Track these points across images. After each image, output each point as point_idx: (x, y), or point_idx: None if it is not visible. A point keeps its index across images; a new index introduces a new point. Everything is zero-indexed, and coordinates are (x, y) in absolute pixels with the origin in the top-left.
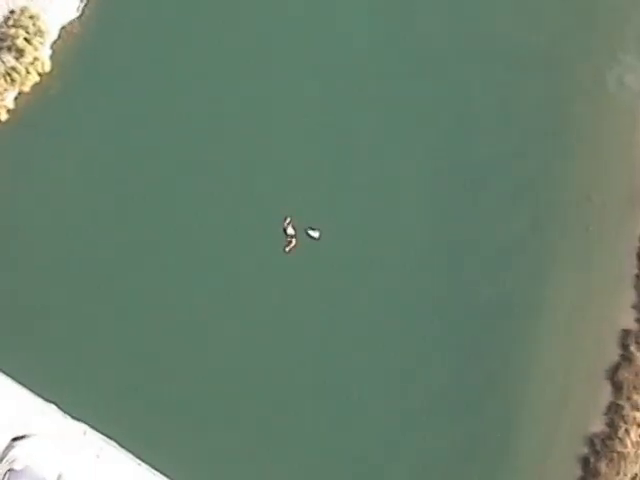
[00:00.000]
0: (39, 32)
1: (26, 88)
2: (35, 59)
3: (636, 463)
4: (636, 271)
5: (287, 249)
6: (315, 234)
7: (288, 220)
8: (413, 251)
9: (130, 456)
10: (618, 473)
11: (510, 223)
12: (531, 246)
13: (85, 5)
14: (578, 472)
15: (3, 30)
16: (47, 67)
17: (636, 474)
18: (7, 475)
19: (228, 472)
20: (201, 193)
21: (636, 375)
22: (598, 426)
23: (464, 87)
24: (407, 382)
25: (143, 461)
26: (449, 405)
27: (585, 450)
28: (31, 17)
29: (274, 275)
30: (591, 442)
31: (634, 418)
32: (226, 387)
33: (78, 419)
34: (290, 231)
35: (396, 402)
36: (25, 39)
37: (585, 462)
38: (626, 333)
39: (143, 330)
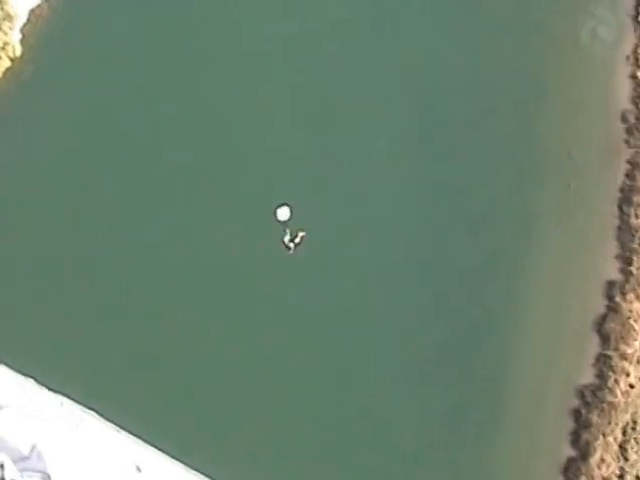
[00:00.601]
0: (8, 17)
1: None
2: (5, 44)
3: (626, 412)
4: (618, 222)
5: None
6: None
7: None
8: (393, 218)
9: (110, 425)
10: (609, 423)
11: (491, 184)
12: (513, 206)
13: None
14: (570, 424)
15: None
16: (18, 51)
17: (627, 422)
18: None
19: (210, 437)
20: (177, 176)
21: (623, 325)
22: (587, 378)
23: (435, 48)
24: (395, 349)
25: (123, 429)
26: (439, 369)
27: (576, 402)
28: None
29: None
30: (581, 394)
31: (622, 368)
32: (208, 355)
33: (55, 391)
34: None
35: (385, 370)
36: None
37: (576, 414)
38: (611, 284)
39: (122, 300)
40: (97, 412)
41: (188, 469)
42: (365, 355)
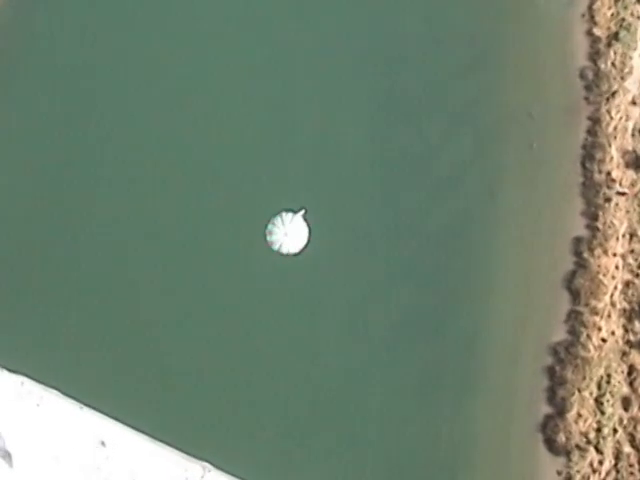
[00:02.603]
0: None
1: None
2: None
3: (600, 366)
4: (582, 179)
5: None
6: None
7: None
8: (357, 184)
9: (73, 402)
10: (584, 378)
11: (453, 149)
12: (477, 168)
13: None
14: (545, 382)
15: None
16: None
17: (601, 376)
18: None
19: (177, 410)
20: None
21: (592, 281)
22: (560, 335)
23: (388, 15)
24: (363, 316)
25: (87, 406)
26: (410, 334)
27: (549, 360)
28: None
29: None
30: (554, 351)
31: (594, 323)
32: (173, 329)
33: (15, 371)
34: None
35: (355, 337)
36: None
37: (551, 371)
38: (578, 240)
39: (80, 277)
40: (59, 390)
41: (155, 441)
42: (333, 322)
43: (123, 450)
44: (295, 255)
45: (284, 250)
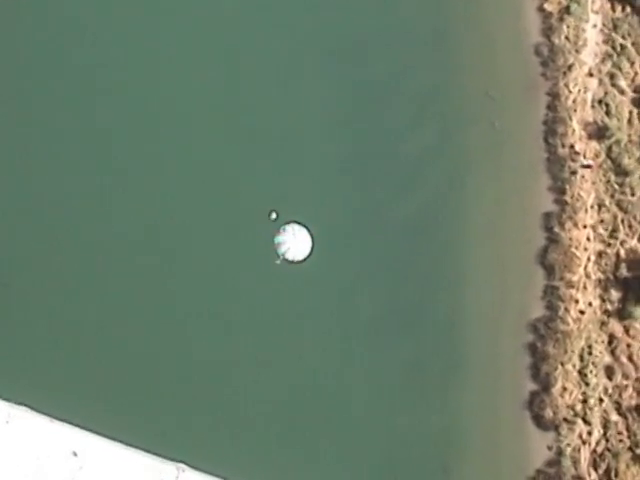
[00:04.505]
0: None
1: None
2: None
3: (580, 338)
4: (546, 154)
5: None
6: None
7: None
8: (324, 179)
9: (42, 416)
10: (566, 351)
11: (418, 136)
12: (443, 153)
13: None
14: (528, 360)
15: None
16: None
17: (583, 348)
18: None
19: (147, 416)
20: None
21: (565, 254)
22: (538, 311)
23: (348, 6)
24: (345, 306)
25: (57, 419)
26: (391, 324)
27: (530, 337)
28: None
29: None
30: (534, 328)
31: (571, 296)
32: (141, 338)
33: None
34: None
35: (336, 335)
36: None
37: (532, 348)
38: (547, 216)
39: (44, 295)
40: (27, 406)
41: (128, 447)
42: (313, 322)
43: (95, 459)
44: (301, 262)
45: (291, 257)
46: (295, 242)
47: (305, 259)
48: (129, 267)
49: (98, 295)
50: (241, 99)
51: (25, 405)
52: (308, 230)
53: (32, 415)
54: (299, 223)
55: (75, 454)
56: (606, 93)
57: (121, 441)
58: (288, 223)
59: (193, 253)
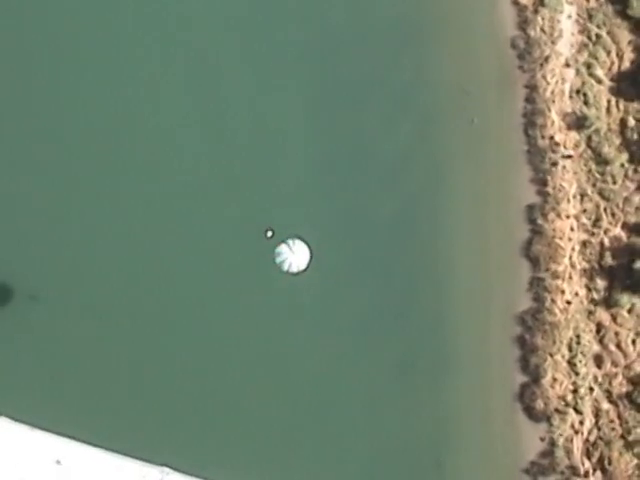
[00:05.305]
0: None
1: None
2: None
3: (568, 328)
4: (526, 147)
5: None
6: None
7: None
8: (306, 184)
9: (23, 426)
10: (554, 342)
11: (398, 135)
12: (423, 151)
13: None
14: (517, 352)
15: None
16: None
17: (571, 338)
18: None
19: (126, 426)
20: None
21: (549, 245)
22: (525, 303)
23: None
24: (331, 306)
25: (38, 428)
26: (378, 321)
27: (518, 330)
28: None
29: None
30: (522, 320)
31: (557, 286)
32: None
33: None
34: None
35: (325, 334)
36: None
37: (521, 340)
38: (530, 208)
39: (23, 305)
40: (8, 416)
41: (110, 452)
42: (302, 321)
43: (79, 466)
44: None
45: (292, 269)
46: (294, 256)
47: (307, 267)
48: (112, 272)
49: (79, 302)
50: (214, 103)
51: (5, 415)
52: (303, 240)
53: (12, 425)
54: (295, 236)
55: (58, 462)
56: (584, 83)
57: (104, 447)
58: (283, 241)
59: (177, 261)
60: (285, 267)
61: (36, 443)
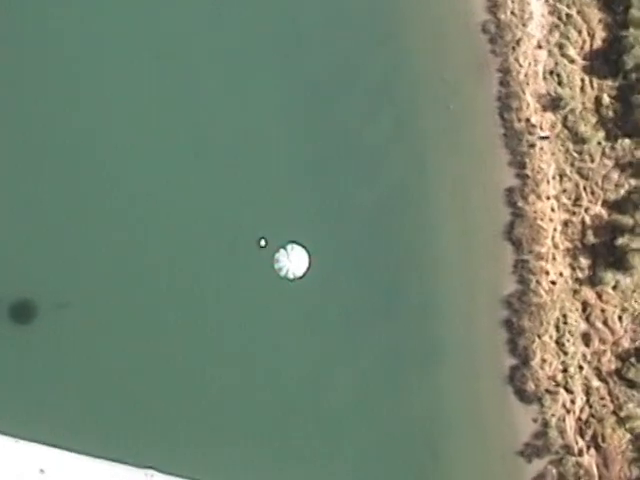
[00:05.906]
0: None
1: None
2: None
3: (554, 309)
4: (502, 130)
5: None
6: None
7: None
8: (288, 184)
9: (6, 437)
10: (541, 323)
11: (374, 125)
12: (401, 139)
13: None
14: (505, 335)
15: None
16: None
17: (558, 318)
18: None
19: (109, 431)
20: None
21: (531, 227)
22: (510, 286)
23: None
24: (317, 299)
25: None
26: (365, 312)
27: (505, 313)
28: None
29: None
30: (508, 303)
31: (541, 268)
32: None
33: None
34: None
35: (311, 330)
36: None
37: (508, 324)
38: (510, 191)
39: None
40: None
41: (94, 459)
42: (291, 310)
43: (63, 474)
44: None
45: (290, 274)
46: (291, 264)
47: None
48: (103, 282)
49: (61, 310)
50: (185, 106)
51: None
52: (301, 245)
53: None
54: (292, 242)
55: (42, 471)
56: (556, 64)
57: (87, 454)
58: (279, 249)
59: (176, 267)
60: (283, 273)
61: (19, 452)
